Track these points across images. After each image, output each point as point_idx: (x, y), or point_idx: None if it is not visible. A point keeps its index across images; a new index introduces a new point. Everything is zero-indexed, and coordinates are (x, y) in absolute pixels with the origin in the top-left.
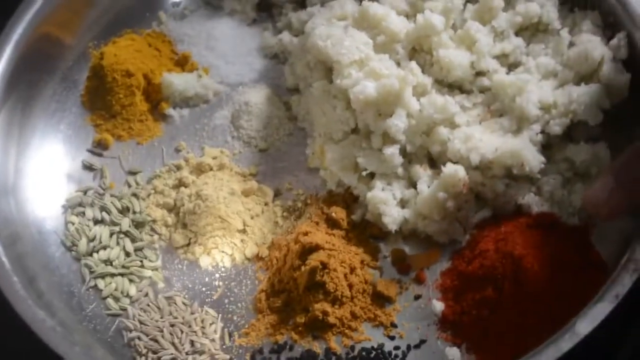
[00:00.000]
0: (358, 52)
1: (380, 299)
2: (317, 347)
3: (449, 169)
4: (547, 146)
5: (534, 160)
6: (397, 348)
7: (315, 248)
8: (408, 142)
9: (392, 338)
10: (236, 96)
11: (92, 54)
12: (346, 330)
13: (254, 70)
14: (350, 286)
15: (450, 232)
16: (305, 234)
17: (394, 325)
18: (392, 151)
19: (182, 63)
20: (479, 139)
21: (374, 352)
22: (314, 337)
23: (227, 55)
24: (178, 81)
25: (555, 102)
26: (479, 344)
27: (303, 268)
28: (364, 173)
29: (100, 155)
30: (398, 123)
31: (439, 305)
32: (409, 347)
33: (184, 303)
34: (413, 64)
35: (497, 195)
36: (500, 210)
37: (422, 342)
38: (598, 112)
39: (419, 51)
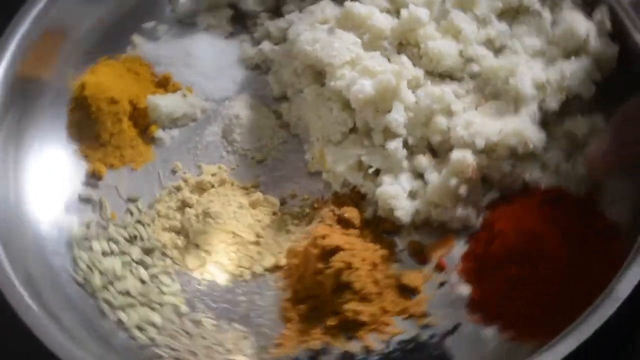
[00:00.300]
0: (349, 52)
1: (407, 291)
2: (354, 347)
3: (456, 155)
4: (545, 123)
5: (536, 137)
6: (432, 337)
7: (336, 250)
8: (409, 135)
9: (425, 327)
10: (224, 111)
11: (73, 86)
12: (379, 327)
13: (237, 83)
14: (376, 282)
15: (463, 218)
16: (323, 237)
17: (425, 315)
18: (395, 145)
19: (164, 84)
20: (480, 123)
21: (411, 344)
22: (348, 337)
23: (208, 71)
24: (164, 103)
25: (548, 79)
26: (512, 322)
27: (327, 271)
28: (370, 170)
29: (95, 186)
30: (398, 117)
31: (465, 289)
32: (444, 334)
33: (212, 324)
34: (404, 58)
35: (504, 175)
36: (507, 190)
37: (456, 327)
38: (591, 85)
39: (405, 45)
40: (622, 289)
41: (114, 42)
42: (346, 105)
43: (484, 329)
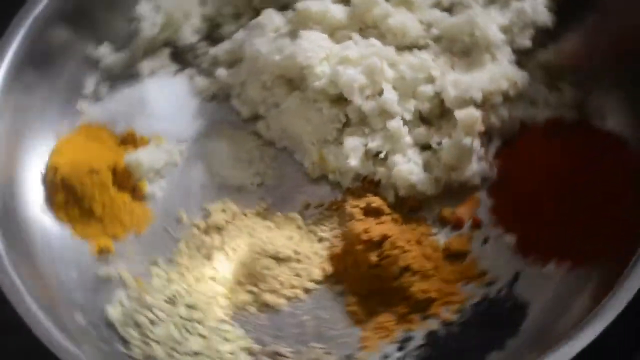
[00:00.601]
0: (322, 49)
1: (458, 257)
2: (432, 325)
3: (461, 113)
4: (519, 63)
5: (520, 77)
6: (500, 291)
7: (383, 239)
8: (404, 111)
9: (489, 285)
10: (201, 149)
11: (46, 171)
12: (448, 298)
13: (202, 117)
14: (428, 258)
15: (481, 171)
16: (365, 231)
17: (484, 273)
18: (396, 123)
19: (131, 141)
20: (466, 79)
21: (483, 305)
22: (424, 318)
23: (168, 114)
24: (143, 157)
25: (511, 20)
26: (564, 252)
27: (383, 262)
28: (381, 155)
29: (108, 262)
30: (391, 97)
31: (509, 238)
32: (509, 285)
33: (289, 352)
34: (372, 40)
35: (503, 121)
36: (508, 135)
37: (517, 274)
38: (550, 13)
39: (365, 29)
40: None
41: (59, 117)
42: (334, 101)
43: (543, 267)
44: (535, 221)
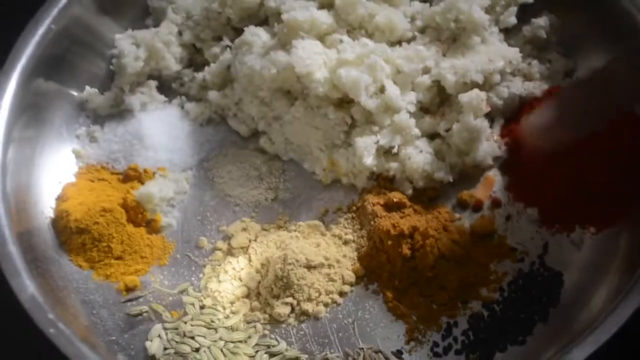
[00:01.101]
0: (318, 55)
1: (486, 238)
2: (475, 308)
3: (466, 97)
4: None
5: (512, 53)
6: (532, 264)
7: (413, 232)
8: (407, 104)
9: (521, 260)
10: (209, 173)
11: (56, 218)
12: (484, 279)
13: (201, 141)
14: (458, 243)
15: (491, 150)
16: (394, 226)
17: (514, 249)
18: (402, 117)
19: (135, 177)
20: (461, 63)
21: (519, 280)
22: (464, 302)
23: (167, 144)
24: (152, 190)
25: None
26: (587, 217)
27: (417, 253)
28: (394, 150)
29: (137, 298)
30: (394, 91)
31: (531, 211)
32: (540, 257)
33: (337, 357)
34: (364, 39)
35: (504, 99)
36: (509, 113)
37: (546, 245)
38: None
39: (351, 31)
40: None
41: (59, 165)
42: (337, 105)
43: (569, 235)
44: (553, 191)
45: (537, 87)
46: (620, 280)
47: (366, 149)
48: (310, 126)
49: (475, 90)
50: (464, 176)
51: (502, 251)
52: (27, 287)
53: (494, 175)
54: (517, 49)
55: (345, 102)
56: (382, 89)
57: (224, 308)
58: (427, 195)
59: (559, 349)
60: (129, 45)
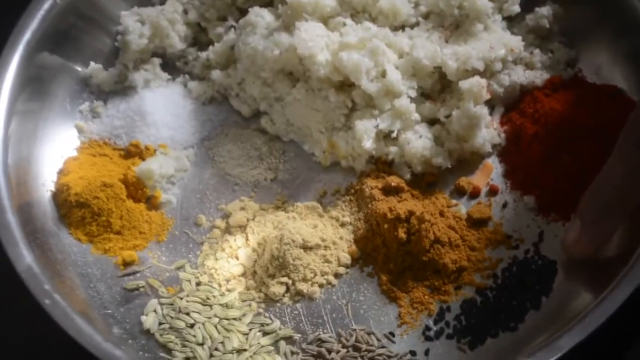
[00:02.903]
0: (320, 38)
1: (481, 224)
2: (467, 293)
3: (466, 83)
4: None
5: (515, 42)
6: (527, 252)
7: (409, 216)
8: (408, 89)
9: (516, 248)
10: (208, 152)
11: (56, 192)
12: (478, 265)
13: (203, 120)
14: (454, 228)
15: (490, 138)
16: (390, 210)
17: (509, 237)
18: (403, 102)
19: (136, 153)
20: (464, 50)
21: (513, 267)
22: (458, 287)
23: (170, 122)
24: (152, 167)
25: None
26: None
27: (413, 237)
28: (393, 135)
29: (134, 273)
30: (395, 76)
31: (528, 198)
32: (535, 245)
33: (329, 337)
34: (367, 23)
35: (505, 87)
36: (510, 101)
37: (541, 234)
38: None
39: (355, 15)
40: None
41: (61, 139)
42: (338, 88)
43: (566, 224)
44: (550, 180)
45: (538, 77)
46: (611, 271)
47: (366, 132)
48: (311, 108)
49: (476, 77)
50: (463, 163)
51: (498, 238)
52: (24, 257)
53: (492, 163)
54: (519, 38)
55: (346, 85)
56: (383, 73)
57: (220, 285)
58: (425, 180)
59: (549, 336)
60: (134, 23)
